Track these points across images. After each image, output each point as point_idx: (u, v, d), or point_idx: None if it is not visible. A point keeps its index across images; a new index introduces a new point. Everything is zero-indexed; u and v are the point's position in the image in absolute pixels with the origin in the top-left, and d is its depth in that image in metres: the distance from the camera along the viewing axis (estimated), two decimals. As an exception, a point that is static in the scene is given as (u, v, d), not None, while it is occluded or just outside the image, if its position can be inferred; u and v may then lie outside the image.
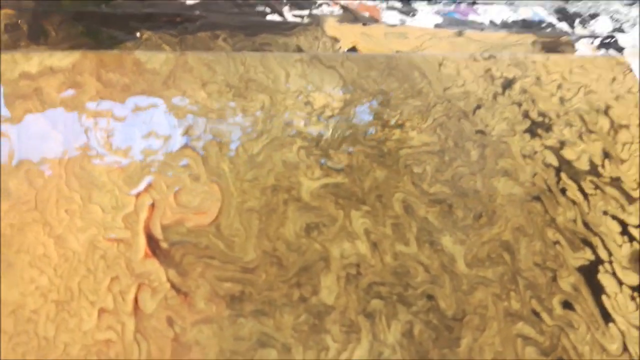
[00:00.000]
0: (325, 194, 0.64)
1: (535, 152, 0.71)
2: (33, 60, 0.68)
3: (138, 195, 0.60)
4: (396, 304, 0.58)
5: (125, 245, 0.57)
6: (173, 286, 0.56)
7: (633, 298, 0.61)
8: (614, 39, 0.92)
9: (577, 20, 0.91)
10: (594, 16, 0.88)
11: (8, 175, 0.59)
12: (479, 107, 0.74)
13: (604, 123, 0.75)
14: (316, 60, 0.74)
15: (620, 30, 0.89)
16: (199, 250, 0.58)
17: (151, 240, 0.58)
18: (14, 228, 0.56)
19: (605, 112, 0.76)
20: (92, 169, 0.61)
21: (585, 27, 0.91)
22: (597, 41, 0.91)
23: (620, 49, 0.91)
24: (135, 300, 0.54)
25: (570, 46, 0.91)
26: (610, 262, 0.63)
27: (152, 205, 0.60)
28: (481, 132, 0.71)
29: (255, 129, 0.67)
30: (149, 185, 0.61)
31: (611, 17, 0.87)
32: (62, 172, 0.60)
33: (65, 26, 0.78)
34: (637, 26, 0.89)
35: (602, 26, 0.93)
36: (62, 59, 0.68)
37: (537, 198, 0.67)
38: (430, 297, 0.59)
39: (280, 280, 0.58)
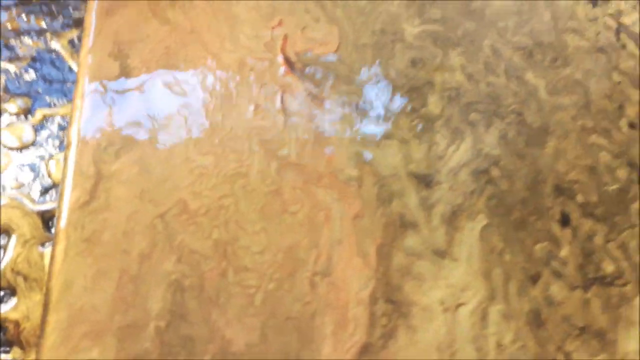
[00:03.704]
0: (425, 36, 0.75)
1: (597, 18, 0.82)
2: None
3: (273, 28, 0.71)
4: (491, 117, 0.69)
5: (269, 63, 0.68)
6: (309, 93, 0.67)
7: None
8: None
9: None
10: None
11: (165, 8, 0.70)
12: (548, -18, 0.85)
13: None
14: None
15: None
16: (327, 70, 0.69)
17: (288, 62, 0.69)
18: (178, 44, 0.68)
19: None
20: (234, 6, 0.72)
21: None
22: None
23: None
24: (282, 102, 0.66)
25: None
26: (666, 99, 0.75)
27: (285, 37, 0.71)
28: None
29: (361, -12, 0.78)
30: (280, 22, 0.72)
31: None
32: (207, 9, 0.71)
33: None
34: None
35: None
36: None
37: (601, 49, 0.78)
38: (519, 114, 0.70)
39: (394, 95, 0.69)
